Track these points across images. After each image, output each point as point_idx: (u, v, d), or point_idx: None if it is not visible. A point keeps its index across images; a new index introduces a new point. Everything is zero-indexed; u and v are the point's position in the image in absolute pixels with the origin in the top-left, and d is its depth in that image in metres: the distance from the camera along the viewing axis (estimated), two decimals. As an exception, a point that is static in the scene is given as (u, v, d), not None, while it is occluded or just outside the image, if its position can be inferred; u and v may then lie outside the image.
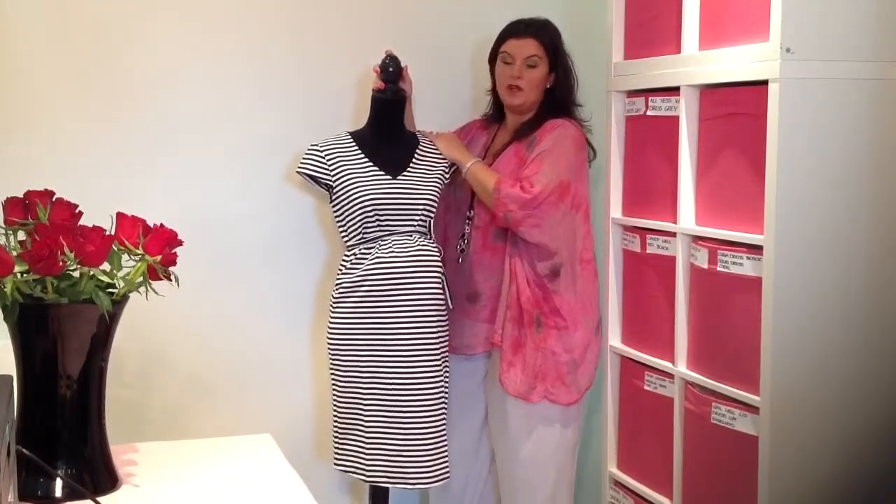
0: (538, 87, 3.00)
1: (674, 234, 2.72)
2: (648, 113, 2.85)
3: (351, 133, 3.02)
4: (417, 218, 2.92)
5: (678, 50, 2.68)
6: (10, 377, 1.62)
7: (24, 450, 1.66)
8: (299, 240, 3.19)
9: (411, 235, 2.92)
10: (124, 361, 2.88)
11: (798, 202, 2.30)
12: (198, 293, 2.93)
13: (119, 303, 1.86)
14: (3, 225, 1.89)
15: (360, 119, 3.07)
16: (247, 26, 3.08)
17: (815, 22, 2.27)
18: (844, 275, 2.35)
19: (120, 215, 1.91)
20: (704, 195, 2.62)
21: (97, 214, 1.92)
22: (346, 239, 2.96)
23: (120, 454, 2.07)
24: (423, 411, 2.88)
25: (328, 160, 2.94)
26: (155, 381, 3.05)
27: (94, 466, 1.90)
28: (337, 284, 2.93)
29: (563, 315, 2.95)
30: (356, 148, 2.97)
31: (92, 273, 1.83)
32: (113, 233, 1.89)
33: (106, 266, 1.87)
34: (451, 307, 2.98)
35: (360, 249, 2.92)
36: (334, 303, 2.93)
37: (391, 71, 2.94)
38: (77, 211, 1.90)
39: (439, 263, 2.93)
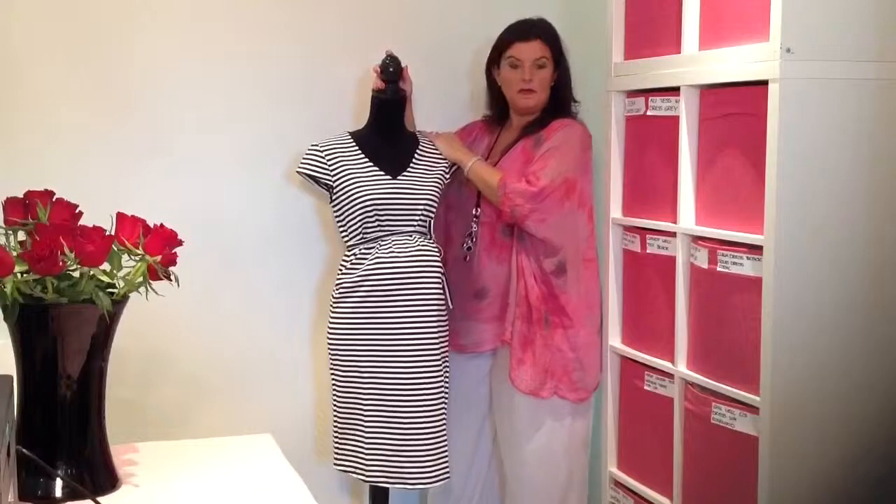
0: (547, 87, 3.02)
1: (674, 234, 2.72)
2: (648, 113, 2.84)
3: (351, 133, 3.02)
4: (417, 218, 2.92)
5: (678, 50, 2.68)
6: (10, 377, 1.61)
7: (24, 450, 1.66)
8: (299, 240, 3.19)
9: (411, 235, 2.92)
10: (124, 361, 2.85)
11: (798, 202, 2.30)
12: (198, 293, 2.93)
13: (119, 303, 1.86)
14: (3, 225, 1.89)
15: (361, 119, 3.07)
16: (247, 26, 3.09)
17: (815, 22, 2.27)
18: (844, 275, 2.35)
19: (120, 215, 1.91)
20: (704, 195, 2.62)
21: (97, 214, 1.91)
22: (346, 239, 2.96)
23: (120, 454, 2.07)
24: (422, 411, 2.88)
25: (328, 160, 2.94)
26: (155, 382, 3.05)
27: (94, 466, 1.90)
28: (337, 284, 2.94)
29: (569, 314, 2.96)
30: (356, 148, 2.97)
31: (92, 273, 1.83)
32: (113, 233, 1.89)
33: (106, 266, 1.87)
34: (451, 307, 2.98)
35: (360, 249, 2.92)
36: (334, 303, 2.93)
37: (391, 71, 2.94)
38: (77, 211, 1.90)
39: (439, 263, 2.93)
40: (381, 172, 2.94)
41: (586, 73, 3.10)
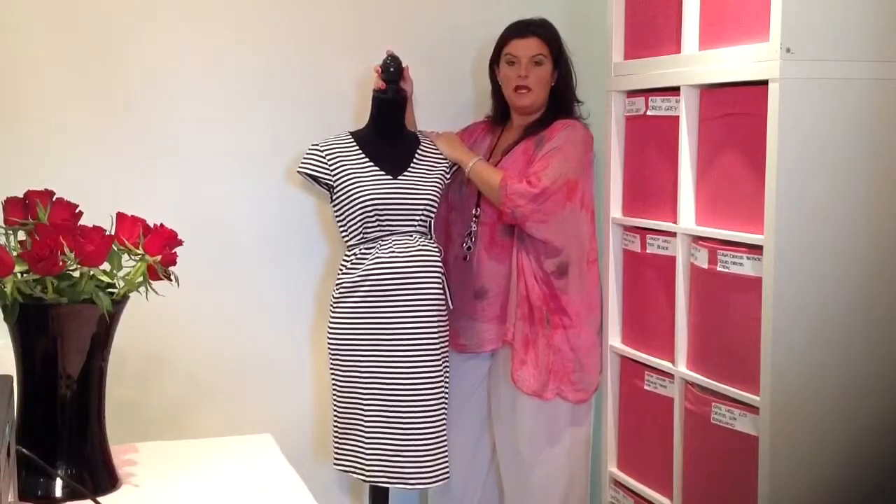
0: (545, 85, 3.01)
1: (674, 234, 2.72)
2: (648, 113, 2.84)
3: (352, 133, 3.02)
4: (418, 218, 2.92)
5: (678, 50, 2.68)
6: (10, 377, 1.61)
7: (24, 450, 1.66)
8: (300, 240, 3.19)
9: (412, 235, 2.92)
10: (124, 361, 2.88)
11: (798, 202, 2.30)
12: (198, 293, 2.93)
13: (119, 303, 1.86)
14: (3, 225, 1.89)
15: (361, 119, 3.07)
16: (247, 26, 3.09)
17: (815, 22, 2.27)
18: (844, 275, 2.35)
19: (120, 215, 1.91)
20: (704, 195, 2.62)
21: (97, 214, 1.92)
22: (346, 239, 2.96)
23: (120, 454, 2.07)
24: (422, 411, 2.88)
25: (329, 160, 2.94)
26: (155, 381, 3.05)
27: (94, 466, 1.90)
28: (337, 284, 2.94)
29: (570, 314, 2.96)
30: (357, 148, 2.97)
31: (92, 273, 1.83)
32: (113, 233, 1.89)
33: (106, 266, 1.87)
34: (451, 307, 2.98)
35: (360, 249, 2.92)
36: (334, 303, 2.93)
37: (392, 71, 2.95)
38: (77, 211, 1.90)
39: (440, 263, 2.93)
40: (382, 172, 2.94)
41: (586, 73, 3.10)
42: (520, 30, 3.01)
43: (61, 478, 1.83)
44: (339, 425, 2.97)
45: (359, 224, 2.91)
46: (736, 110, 2.48)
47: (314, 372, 3.23)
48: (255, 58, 3.10)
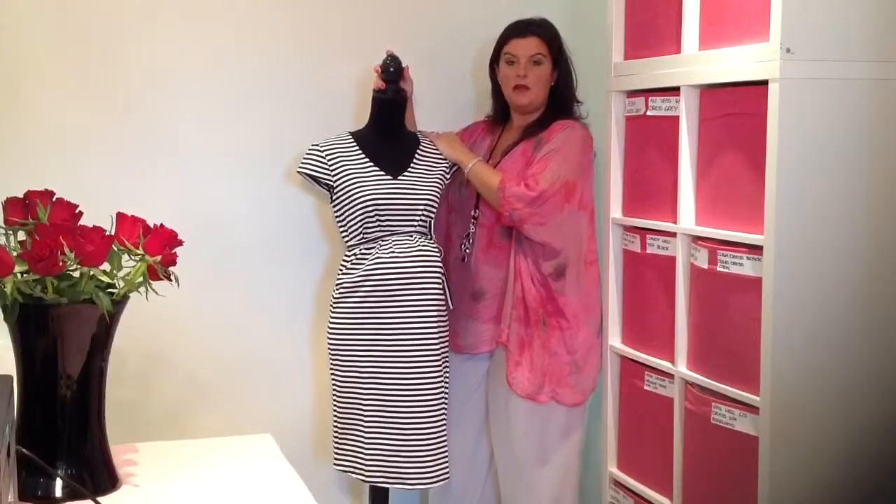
0: (544, 85, 3.01)
1: (674, 234, 2.72)
2: (648, 113, 2.84)
3: (352, 133, 3.02)
4: (418, 218, 2.92)
5: (678, 50, 2.68)
6: (10, 377, 1.62)
7: (24, 450, 1.66)
8: (300, 240, 3.19)
9: (412, 236, 2.92)
10: (124, 361, 2.88)
11: (798, 202, 2.30)
12: (198, 293, 2.93)
13: (119, 303, 1.86)
14: (3, 225, 1.89)
15: (361, 119, 3.07)
16: (247, 26, 3.09)
17: (815, 22, 2.27)
18: (844, 275, 2.35)
19: (120, 215, 1.91)
20: (704, 195, 2.62)
21: (97, 214, 1.92)
22: (346, 239, 2.96)
23: (120, 454, 2.07)
24: (422, 412, 2.88)
25: (329, 160, 2.94)
26: (155, 381, 3.05)
27: (94, 466, 1.90)
28: (337, 284, 2.94)
29: (567, 316, 2.96)
30: (357, 148, 2.97)
31: (92, 273, 1.83)
32: (113, 233, 1.89)
33: (106, 266, 1.87)
34: (451, 307, 2.98)
35: (360, 249, 2.92)
36: (335, 303, 2.93)
37: (392, 71, 2.94)
38: (77, 211, 1.90)
39: (440, 264, 2.93)
40: (382, 172, 2.94)
41: (586, 73, 3.10)
42: (519, 29, 3.01)
43: (61, 478, 1.83)
44: (339, 425, 2.97)
45: (359, 224, 2.91)
46: (736, 110, 2.48)
47: (314, 372, 3.23)
48: (255, 58, 3.10)
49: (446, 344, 2.97)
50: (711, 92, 2.58)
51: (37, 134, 2.89)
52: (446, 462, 2.91)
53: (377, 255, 2.89)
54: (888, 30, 2.32)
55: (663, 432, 2.77)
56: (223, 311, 3.11)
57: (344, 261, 2.96)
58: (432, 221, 2.98)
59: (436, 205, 2.97)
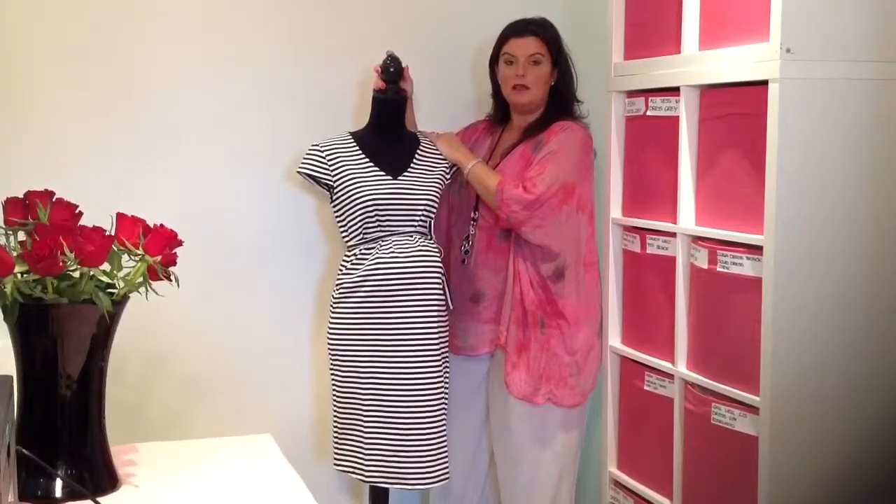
0: (543, 85, 3.01)
1: (674, 235, 2.72)
2: (648, 113, 2.84)
3: (352, 133, 3.02)
4: (418, 218, 2.92)
5: (678, 50, 2.68)
6: (10, 377, 1.62)
7: (24, 450, 1.66)
8: (300, 240, 3.20)
9: (412, 236, 2.92)
10: (124, 362, 2.88)
11: (798, 202, 2.30)
12: (198, 293, 2.93)
13: (119, 303, 1.86)
14: (3, 225, 1.89)
15: (361, 119, 3.07)
16: (247, 26, 3.09)
17: (815, 22, 2.27)
18: (844, 275, 2.35)
19: (120, 215, 1.91)
20: (704, 195, 2.62)
21: (97, 214, 1.92)
22: (346, 239, 2.96)
23: (120, 454, 2.07)
24: (422, 412, 2.88)
25: (329, 160, 2.94)
26: (155, 382, 3.05)
27: (94, 466, 1.90)
28: (337, 285, 2.93)
29: (567, 317, 2.96)
30: (357, 148, 2.97)
31: (92, 273, 1.83)
32: (113, 233, 1.89)
33: (106, 266, 1.87)
34: (451, 308, 2.98)
35: (360, 250, 2.92)
36: (335, 303, 2.93)
37: (392, 71, 2.94)
38: (77, 211, 1.90)
39: (440, 264, 2.93)
40: (382, 172, 2.94)
41: (586, 73, 3.10)
42: (518, 29, 3.01)
43: (61, 478, 1.83)
44: (339, 425, 2.97)
45: (359, 224, 2.91)
46: (736, 110, 2.48)
47: (314, 372, 3.23)
48: (255, 58, 3.10)
49: (446, 344, 2.97)
50: (711, 92, 2.58)
51: (37, 134, 2.89)
52: (446, 462, 2.91)
53: (377, 256, 2.89)
54: (888, 30, 2.32)
55: (663, 432, 2.77)
56: (223, 311, 3.11)
57: (344, 261, 2.96)
58: (432, 221, 2.98)
59: (436, 205, 2.97)
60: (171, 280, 1.91)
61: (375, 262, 2.88)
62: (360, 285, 2.88)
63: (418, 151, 3.02)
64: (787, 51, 2.25)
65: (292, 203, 3.17)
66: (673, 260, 2.72)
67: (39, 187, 1.92)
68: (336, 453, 2.98)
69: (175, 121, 3.02)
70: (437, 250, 2.94)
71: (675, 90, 2.68)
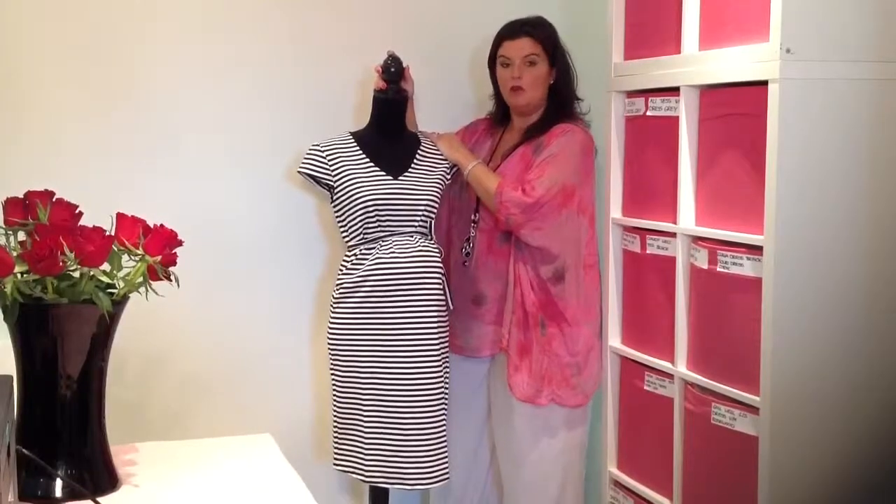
0: (541, 85, 3.00)
1: (674, 235, 2.72)
2: (648, 113, 2.84)
3: (352, 133, 3.02)
4: (418, 218, 2.92)
5: (678, 50, 2.68)
6: (10, 377, 1.62)
7: (24, 450, 1.66)
8: (300, 240, 3.20)
9: (412, 236, 2.92)
10: (124, 362, 2.88)
11: (798, 202, 2.30)
12: (198, 293, 2.93)
13: (119, 303, 1.86)
14: (3, 225, 1.89)
15: (362, 119, 3.07)
16: (247, 26, 3.09)
17: (815, 22, 2.27)
18: (844, 275, 2.35)
19: (120, 215, 1.91)
20: (704, 195, 2.62)
21: (97, 214, 1.92)
22: (346, 239, 2.96)
23: (120, 454, 2.07)
24: (422, 412, 2.88)
25: (329, 160, 2.94)
26: (155, 382, 3.05)
27: (94, 466, 1.90)
28: (337, 284, 2.93)
29: (568, 319, 2.96)
30: (357, 148, 2.97)
31: (92, 273, 1.83)
32: (113, 233, 1.89)
33: (106, 266, 1.87)
34: (451, 308, 2.98)
35: (360, 250, 2.92)
36: (335, 303, 2.93)
37: (393, 71, 2.94)
38: (77, 211, 1.90)
39: (440, 264, 2.93)
40: (382, 172, 2.94)
41: (586, 73, 3.10)
42: (512, 31, 3.00)
43: (61, 478, 1.83)
44: (339, 425, 2.97)
45: (359, 224, 2.91)
46: (736, 110, 2.48)
47: (314, 372, 3.23)
48: (255, 58, 3.10)
49: (446, 344, 2.97)
50: (711, 92, 2.58)
51: (37, 134, 2.89)
52: (446, 462, 2.91)
53: (377, 256, 2.89)
54: (888, 30, 2.32)
55: (663, 432, 2.77)
56: (223, 311, 3.11)
57: (344, 261, 2.96)
58: (433, 222, 2.98)
59: (436, 205, 2.97)
60: (171, 280, 1.91)
61: (376, 262, 2.88)
62: (361, 285, 2.88)
63: (419, 151, 3.02)
64: (787, 51, 2.25)
65: (292, 203, 3.17)
66: (673, 260, 2.72)
67: (39, 187, 1.92)
68: (336, 453, 2.98)
69: (175, 121, 3.02)
70: (437, 250, 2.94)
71: (675, 90, 2.68)
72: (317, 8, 3.15)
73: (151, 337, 2.91)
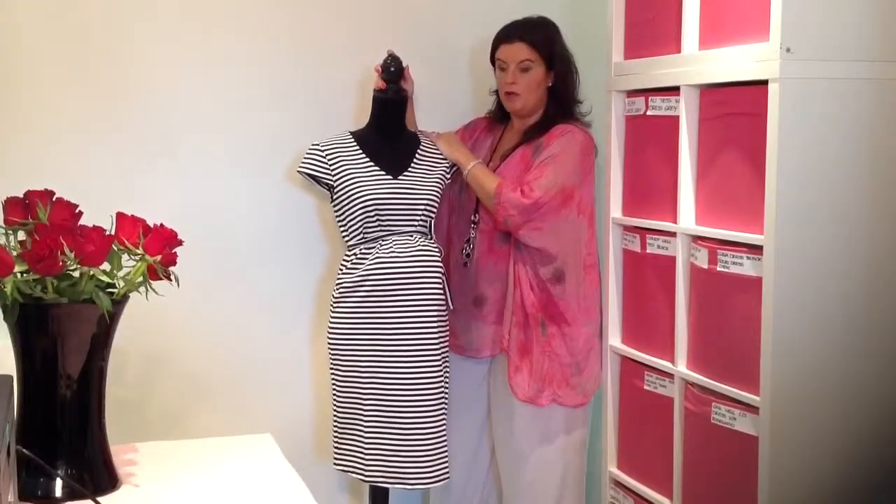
0: (535, 90, 2.99)
1: (674, 234, 2.72)
2: (648, 113, 2.84)
3: (352, 133, 3.02)
4: (418, 218, 2.92)
5: (678, 50, 2.68)
6: (10, 377, 1.62)
7: (24, 450, 1.66)
8: (300, 240, 3.19)
9: (412, 235, 2.92)
10: (124, 361, 2.88)
11: (798, 202, 2.30)
12: (198, 293, 2.93)
13: (119, 303, 1.86)
14: (3, 225, 1.89)
15: (362, 119, 3.07)
16: (247, 26, 3.08)
17: (815, 22, 2.27)
18: (844, 275, 2.35)
19: (120, 215, 1.92)
20: (704, 195, 2.62)
21: (97, 214, 1.92)
22: (346, 239, 2.96)
23: (120, 454, 2.07)
24: (422, 412, 2.88)
25: (329, 160, 2.94)
26: (155, 381, 3.05)
27: (94, 466, 1.90)
28: (337, 284, 2.93)
29: (567, 319, 2.96)
30: (357, 148, 2.97)
31: (92, 273, 1.83)
32: (113, 233, 1.89)
33: (106, 266, 1.87)
34: (451, 308, 2.98)
35: (360, 249, 2.92)
36: (335, 303, 2.93)
37: (392, 70, 2.94)
38: (77, 211, 1.90)
39: (440, 264, 2.93)
40: (382, 172, 2.94)
41: (586, 73, 3.09)
42: (508, 34, 2.98)
43: (61, 478, 1.83)
44: (339, 425, 2.97)
45: (359, 224, 2.91)
46: (736, 110, 2.48)
47: (314, 372, 3.23)
48: (255, 58, 3.09)
49: (446, 344, 2.97)
50: (711, 92, 2.58)
51: (37, 134, 2.89)
52: (446, 462, 2.91)
53: (377, 255, 2.89)
54: (888, 30, 2.32)
55: (663, 432, 2.77)
56: (223, 311, 3.11)
57: (344, 261, 2.96)
58: (432, 221, 2.98)
59: (436, 205, 2.97)
60: (171, 280, 1.91)
61: (375, 261, 2.88)
62: (360, 285, 2.88)
63: (419, 151, 3.02)
64: (787, 50, 2.25)
65: (292, 203, 3.17)
66: (673, 260, 2.72)
67: (39, 187, 1.92)
68: (336, 453, 2.98)
69: (175, 121, 3.02)
70: (437, 250, 2.94)
71: (675, 90, 2.68)
72: (317, 8, 3.15)
73: (151, 337, 2.91)
